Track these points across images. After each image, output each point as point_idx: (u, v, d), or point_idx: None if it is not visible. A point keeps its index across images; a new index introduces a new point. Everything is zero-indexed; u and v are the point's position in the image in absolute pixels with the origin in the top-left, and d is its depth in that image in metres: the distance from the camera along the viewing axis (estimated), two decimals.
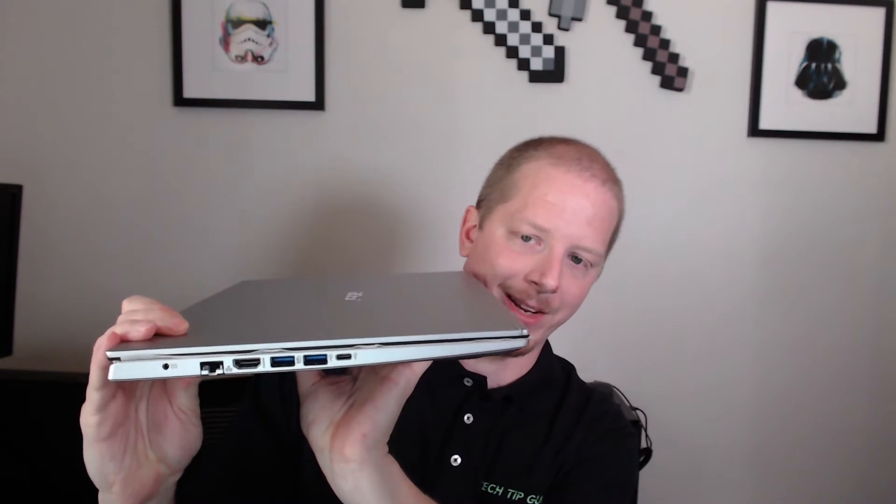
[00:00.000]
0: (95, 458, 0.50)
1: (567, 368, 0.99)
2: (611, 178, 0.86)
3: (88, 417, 0.49)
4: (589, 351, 1.70)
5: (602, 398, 0.96)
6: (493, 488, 0.83)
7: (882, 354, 1.78)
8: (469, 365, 0.89)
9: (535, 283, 0.80)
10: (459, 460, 0.85)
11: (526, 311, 0.82)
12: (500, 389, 0.90)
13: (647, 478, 1.54)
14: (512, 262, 0.82)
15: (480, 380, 0.88)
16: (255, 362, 0.46)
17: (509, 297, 0.83)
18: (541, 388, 0.92)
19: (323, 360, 0.46)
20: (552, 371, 0.95)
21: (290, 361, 0.46)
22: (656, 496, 1.70)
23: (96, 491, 0.53)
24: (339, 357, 0.47)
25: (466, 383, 0.88)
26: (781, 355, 1.76)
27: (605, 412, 0.93)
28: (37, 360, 1.58)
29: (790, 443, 1.78)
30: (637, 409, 1.62)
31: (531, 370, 0.92)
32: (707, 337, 1.75)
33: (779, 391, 1.77)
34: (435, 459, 0.85)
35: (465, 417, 0.87)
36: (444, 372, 0.88)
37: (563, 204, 0.81)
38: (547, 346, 0.97)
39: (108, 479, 0.51)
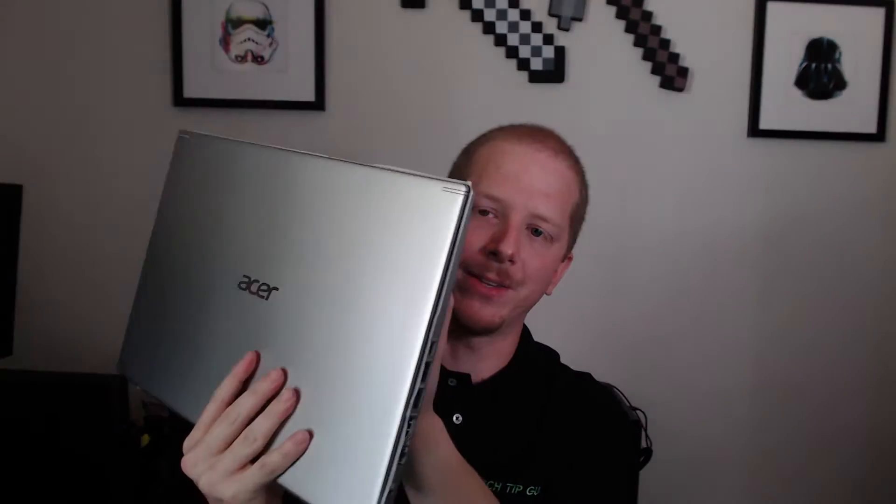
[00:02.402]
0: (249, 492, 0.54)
1: (550, 355, 0.98)
2: (565, 151, 0.86)
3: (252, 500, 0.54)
4: (589, 351, 1.70)
5: (593, 382, 0.96)
6: (491, 485, 0.82)
7: (882, 355, 1.78)
8: (448, 363, 0.87)
9: (492, 252, 0.79)
10: None
11: (487, 284, 0.81)
12: (483, 384, 0.88)
13: (647, 478, 1.54)
14: (468, 236, 0.82)
15: (464, 378, 0.87)
16: None
17: (470, 273, 0.81)
18: (525, 376, 0.91)
19: None
20: (534, 358, 0.94)
21: None
22: (656, 496, 1.70)
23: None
24: None
25: (451, 383, 0.86)
26: (781, 355, 1.76)
27: (596, 397, 0.93)
28: (37, 360, 1.58)
29: (790, 443, 1.78)
30: (637, 409, 1.62)
31: (512, 360, 0.91)
32: (707, 337, 1.75)
33: (778, 391, 1.77)
34: None
35: (455, 418, 0.85)
36: None
37: (516, 174, 0.81)
38: (525, 335, 0.95)
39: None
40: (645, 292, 1.73)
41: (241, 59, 1.63)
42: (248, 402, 0.53)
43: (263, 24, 1.63)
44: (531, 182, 0.81)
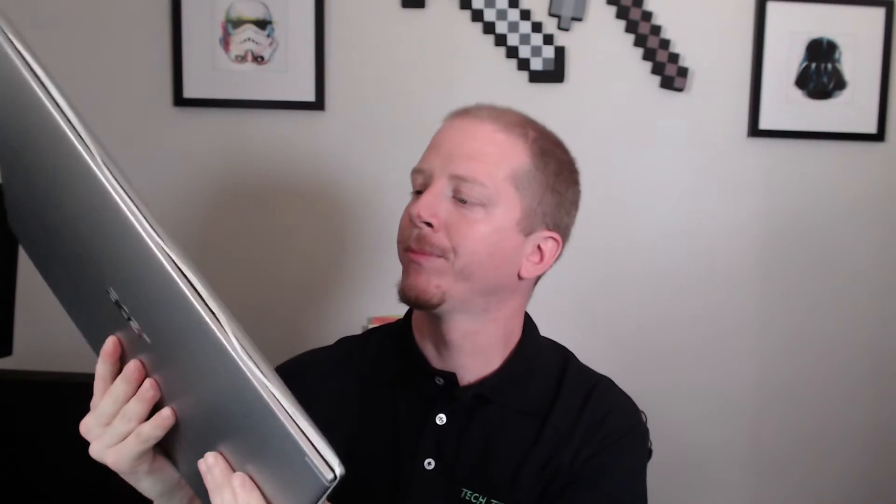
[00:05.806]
0: (154, 483, 0.66)
1: (563, 353, 0.91)
2: (499, 119, 0.82)
3: (137, 466, 0.63)
4: (589, 350, 1.69)
5: (608, 389, 0.88)
6: (475, 497, 0.79)
7: (881, 353, 1.78)
8: (435, 362, 0.83)
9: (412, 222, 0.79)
10: (433, 464, 0.80)
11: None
12: (470, 387, 0.83)
13: (648, 478, 1.54)
14: (404, 214, 0.83)
15: (450, 377, 0.82)
16: None
17: (406, 249, 0.80)
18: (523, 379, 0.84)
19: None
20: (538, 358, 0.87)
21: None
22: (656, 496, 1.69)
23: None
24: None
25: (438, 382, 0.82)
26: (781, 354, 1.76)
27: (609, 409, 0.85)
28: (37, 360, 1.58)
29: (791, 442, 1.78)
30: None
31: (508, 360, 0.84)
32: (707, 337, 1.75)
33: (779, 390, 1.77)
34: (408, 463, 0.81)
35: (438, 418, 0.82)
36: (413, 371, 0.84)
37: (438, 143, 0.82)
38: (529, 331, 0.89)
39: (171, 483, 0.66)
40: (644, 292, 1.73)
41: (242, 59, 1.63)
42: (121, 387, 0.60)
43: (263, 24, 1.63)
44: (451, 148, 0.80)
